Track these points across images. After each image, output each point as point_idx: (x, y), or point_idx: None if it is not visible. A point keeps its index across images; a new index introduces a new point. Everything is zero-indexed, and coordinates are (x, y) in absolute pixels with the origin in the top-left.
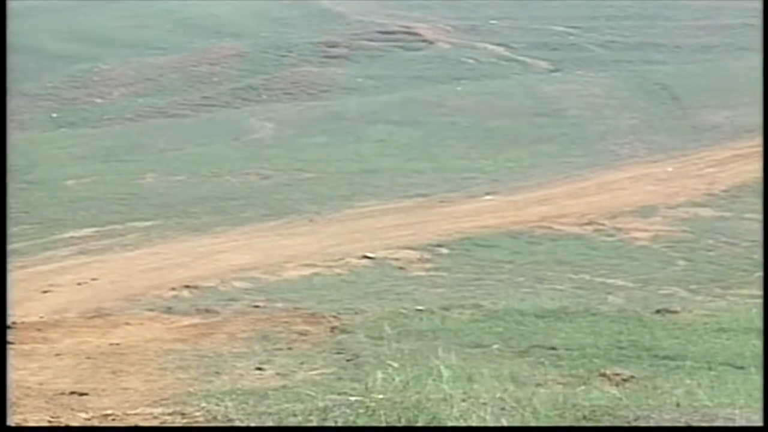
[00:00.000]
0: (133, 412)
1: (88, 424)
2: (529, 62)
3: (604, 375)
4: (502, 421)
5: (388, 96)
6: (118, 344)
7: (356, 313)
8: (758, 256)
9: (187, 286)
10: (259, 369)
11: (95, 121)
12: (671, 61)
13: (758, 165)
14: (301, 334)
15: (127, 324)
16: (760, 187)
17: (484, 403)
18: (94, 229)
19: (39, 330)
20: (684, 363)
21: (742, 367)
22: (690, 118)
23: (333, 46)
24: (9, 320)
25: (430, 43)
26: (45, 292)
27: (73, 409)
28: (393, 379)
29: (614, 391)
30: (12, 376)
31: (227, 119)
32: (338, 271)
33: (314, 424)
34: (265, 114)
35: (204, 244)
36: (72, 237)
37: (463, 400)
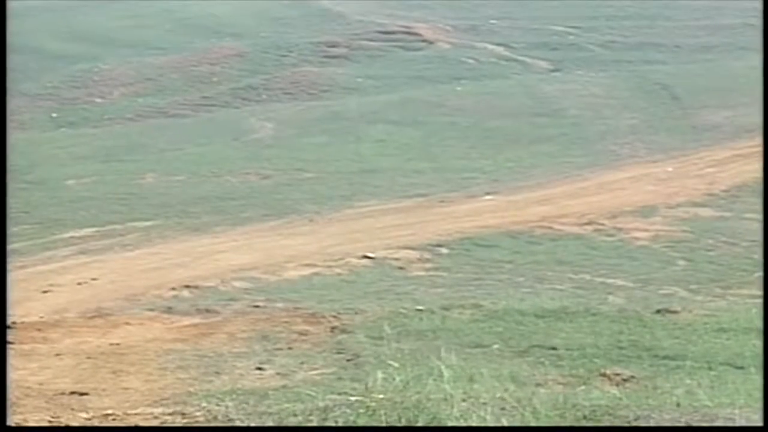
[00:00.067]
0: (133, 412)
1: (89, 424)
2: (529, 62)
3: (604, 375)
4: (503, 421)
5: (388, 96)
6: (118, 344)
7: (356, 313)
8: (758, 256)
9: (187, 286)
10: (260, 369)
11: (95, 121)
12: (671, 61)
13: (758, 165)
14: (301, 334)
15: (127, 324)
16: (760, 187)
17: (485, 403)
18: (94, 229)
19: (39, 330)
20: (684, 363)
21: (742, 367)
22: (690, 118)
23: (333, 46)
24: (9, 320)
25: (430, 43)
26: (45, 292)
27: (73, 409)
28: (393, 379)
29: (614, 391)
30: (12, 376)
31: (227, 119)
32: (338, 271)
33: (314, 424)
34: (265, 114)
35: (204, 244)
36: (72, 237)
37: (464, 400)
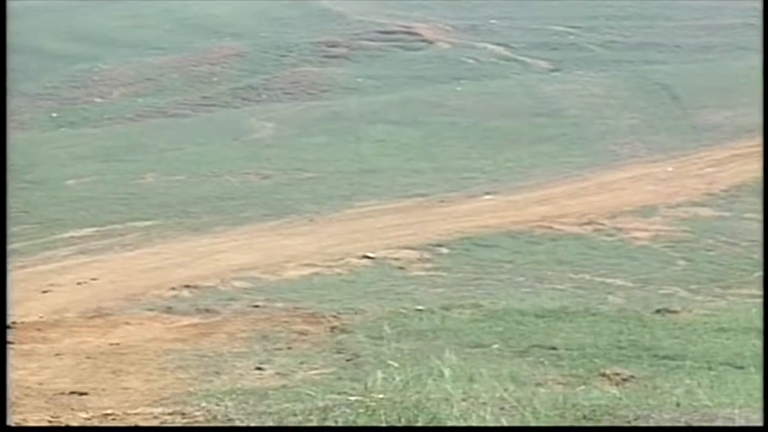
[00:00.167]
0: (133, 411)
1: (88, 423)
2: (529, 62)
3: (604, 375)
4: (502, 421)
5: (388, 96)
6: (117, 344)
7: (356, 313)
8: (758, 255)
9: (187, 286)
10: (259, 369)
11: (95, 120)
12: (671, 60)
13: (758, 165)
14: (301, 333)
15: (127, 324)
16: (759, 186)
17: (484, 403)
18: (94, 229)
19: (39, 330)
20: (684, 363)
21: (741, 367)
22: (690, 118)
23: (333, 46)
24: (9, 320)
25: (430, 43)
26: (45, 291)
27: (73, 409)
28: (393, 379)
29: (614, 390)
30: (12, 375)
31: (227, 119)
32: (338, 270)
33: (314, 423)
34: (265, 114)
35: (204, 244)
36: (72, 237)
37: (463, 400)
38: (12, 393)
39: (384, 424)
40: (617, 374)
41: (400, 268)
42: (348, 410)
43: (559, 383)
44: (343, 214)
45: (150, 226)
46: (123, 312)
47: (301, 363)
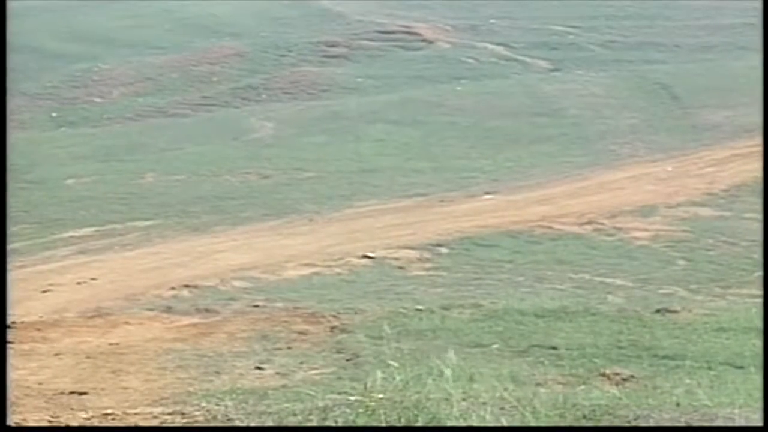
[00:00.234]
0: (132, 411)
1: (88, 423)
2: (529, 62)
3: (604, 374)
4: (502, 421)
5: (388, 96)
6: (117, 344)
7: (356, 313)
8: (758, 255)
9: (186, 286)
10: (259, 368)
11: (95, 120)
12: (671, 60)
13: (758, 164)
14: (300, 333)
15: (127, 323)
16: (759, 186)
17: (484, 403)
18: (93, 229)
19: (38, 330)
20: (684, 362)
21: (741, 367)
22: (690, 118)
23: (333, 46)
24: (9, 320)
25: (430, 42)
26: (45, 291)
27: (72, 409)
28: (393, 379)
29: (614, 390)
30: (12, 375)
31: (227, 119)
32: (338, 270)
33: (314, 423)
34: (264, 113)
35: (204, 244)
36: (72, 236)
37: (463, 400)
38: (12, 393)
39: (384, 424)
40: (617, 374)
41: (400, 267)
42: (348, 410)
43: (559, 383)
44: (342, 213)
45: (150, 226)
46: (123, 312)
47: (301, 363)
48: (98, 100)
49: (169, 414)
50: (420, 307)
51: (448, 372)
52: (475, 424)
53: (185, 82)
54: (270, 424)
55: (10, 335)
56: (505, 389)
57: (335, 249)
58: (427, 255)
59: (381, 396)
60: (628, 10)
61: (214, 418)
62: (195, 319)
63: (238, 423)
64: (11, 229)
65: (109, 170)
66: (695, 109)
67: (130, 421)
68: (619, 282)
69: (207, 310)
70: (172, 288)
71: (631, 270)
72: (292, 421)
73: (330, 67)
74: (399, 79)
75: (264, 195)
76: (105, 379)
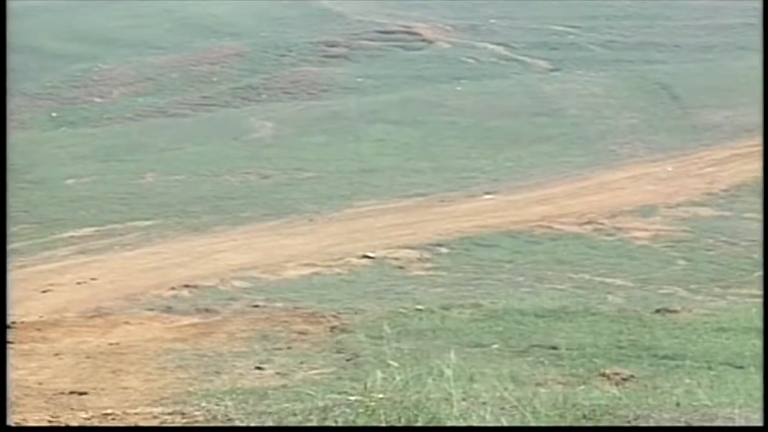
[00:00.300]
0: (132, 411)
1: (88, 423)
2: (529, 62)
3: (604, 374)
4: (502, 421)
5: (388, 95)
6: (117, 344)
7: (356, 313)
8: (758, 255)
9: (186, 286)
10: (259, 368)
11: (95, 120)
12: (671, 60)
13: (758, 164)
14: (300, 333)
15: (127, 323)
16: (759, 186)
17: (484, 403)
18: (93, 229)
19: (38, 329)
20: (684, 362)
21: (741, 367)
22: (690, 118)
23: (332, 46)
24: (9, 320)
25: (430, 42)
26: (45, 291)
27: (72, 409)
28: (393, 379)
29: (614, 390)
30: (12, 375)
31: (227, 119)
32: (338, 270)
33: (314, 423)
34: (264, 113)
35: (204, 244)
36: (72, 236)
37: (463, 400)
38: (12, 393)
39: (384, 424)
40: (617, 374)
41: (400, 267)
42: (348, 410)
43: (559, 383)
44: (342, 213)
45: (150, 226)
46: (123, 312)
47: (301, 363)
48: (98, 100)
49: (169, 414)
50: (420, 307)
51: (448, 372)
52: (475, 424)
53: (185, 82)
54: (270, 424)
55: (10, 335)
56: (505, 389)
57: (335, 249)
58: (427, 255)
59: (381, 396)
60: (628, 10)
61: (214, 418)
62: (195, 319)
63: (238, 423)
64: (11, 229)
65: (109, 170)
66: (695, 109)
67: (130, 421)
68: (619, 282)
69: (207, 310)
70: (172, 288)
71: (631, 270)
72: (292, 421)
73: (330, 67)
74: (399, 79)
75: (264, 195)
76: (105, 379)
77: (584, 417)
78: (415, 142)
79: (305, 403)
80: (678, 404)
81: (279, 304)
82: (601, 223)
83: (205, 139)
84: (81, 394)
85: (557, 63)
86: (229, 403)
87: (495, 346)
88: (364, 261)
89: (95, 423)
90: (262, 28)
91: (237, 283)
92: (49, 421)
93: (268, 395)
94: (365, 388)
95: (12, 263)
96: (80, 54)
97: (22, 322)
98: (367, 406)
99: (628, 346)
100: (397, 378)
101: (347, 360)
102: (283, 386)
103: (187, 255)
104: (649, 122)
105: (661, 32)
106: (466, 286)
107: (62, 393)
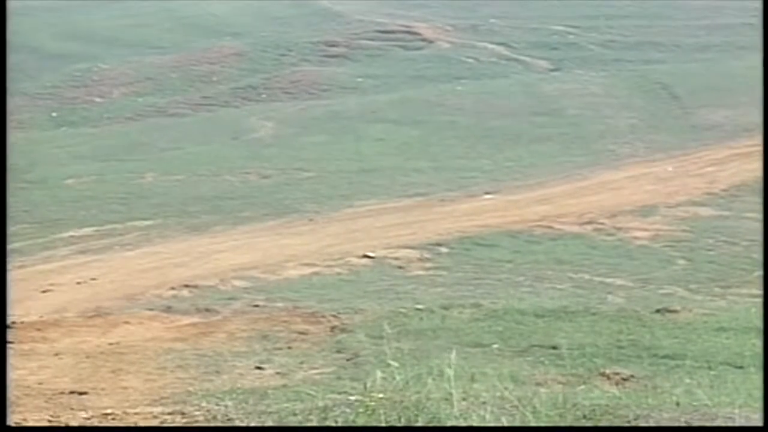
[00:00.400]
0: (132, 411)
1: (88, 423)
2: (529, 61)
3: (604, 374)
4: (502, 421)
5: (388, 95)
6: (117, 343)
7: (356, 313)
8: (758, 255)
9: (186, 286)
10: (259, 368)
11: (95, 120)
12: (671, 60)
13: (758, 164)
14: (300, 333)
15: (127, 323)
16: (759, 186)
17: (485, 403)
18: (93, 229)
19: (38, 329)
20: (684, 362)
21: (741, 367)
22: (689, 118)
23: (332, 46)
24: (9, 320)
25: (430, 42)
26: (45, 291)
27: (72, 409)
28: (393, 379)
29: (614, 390)
30: (12, 375)
31: (227, 118)
32: (338, 270)
33: (314, 423)
34: (264, 113)
35: (203, 244)
36: (72, 236)
37: (464, 399)
38: (12, 392)
39: (384, 424)
40: (617, 374)
41: (400, 267)
42: (348, 410)
43: (559, 383)
44: (342, 213)
45: (150, 226)
46: (122, 311)
47: (301, 362)
48: (98, 100)
49: (169, 414)
50: (420, 306)
51: (448, 371)
52: (475, 423)
53: (185, 82)
54: (270, 424)
55: (10, 335)
56: (506, 389)
57: (335, 249)
58: (427, 255)
59: (381, 396)
60: (628, 10)
61: (214, 418)
62: (195, 319)
63: (238, 423)
64: (11, 229)
65: (109, 170)
66: (695, 109)
67: (130, 421)
68: (619, 282)
69: (207, 310)
70: (172, 288)
71: (631, 270)
72: (292, 421)
73: (330, 66)
74: (399, 79)
75: (264, 195)
76: (105, 378)
77: (584, 417)
78: (415, 142)
79: (305, 403)
80: (678, 404)
81: (279, 304)
82: (601, 223)
83: (205, 139)
84: (81, 393)
85: (557, 63)
86: (229, 403)
87: (495, 345)
88: (364, 261)
89: (95, 423)
90: (262, 27)
91: (237, 283)
92: (49, 421)
93: (268, 395)
94: (365, 387)
95: (12, 263)
96: (80, 54)
97: (22, 322)
98: (367, 406)
99: (628, 346)
100: (397, 378)
101: (347, 360)
102: (283, 386)
103: (187, 255)
104: (649, 122)
105: (660, 32)
106: (466, 285)
107: (62, 393)
